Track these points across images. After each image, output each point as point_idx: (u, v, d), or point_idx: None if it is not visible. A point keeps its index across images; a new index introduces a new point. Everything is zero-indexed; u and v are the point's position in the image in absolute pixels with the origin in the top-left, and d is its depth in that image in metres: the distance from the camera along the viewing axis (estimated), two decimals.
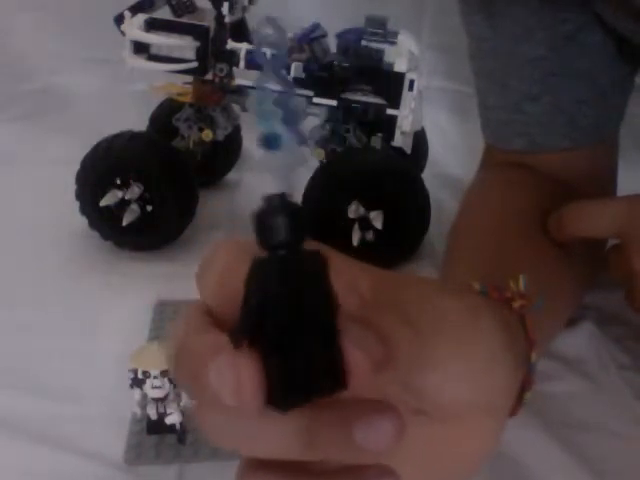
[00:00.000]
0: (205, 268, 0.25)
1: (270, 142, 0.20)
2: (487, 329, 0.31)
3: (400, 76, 0.61)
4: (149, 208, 0.63)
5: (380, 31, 0.63)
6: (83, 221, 0.64)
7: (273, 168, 0.20)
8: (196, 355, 0.23)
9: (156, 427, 0.43)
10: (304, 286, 0.21)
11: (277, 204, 0.20)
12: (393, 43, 0.62)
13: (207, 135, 0.69)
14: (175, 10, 0.64)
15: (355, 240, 0.61)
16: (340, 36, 0.64)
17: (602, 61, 0.54)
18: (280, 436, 0.23)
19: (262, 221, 0.20)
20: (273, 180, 0.20)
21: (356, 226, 0.62)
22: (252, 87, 0.65)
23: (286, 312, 0.20)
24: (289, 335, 0.21)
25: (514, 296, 0.35)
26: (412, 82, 0.61)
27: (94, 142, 0.64)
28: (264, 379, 0.21)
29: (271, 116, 0.21)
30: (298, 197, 0.68)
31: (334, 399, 0.22)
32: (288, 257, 0.20)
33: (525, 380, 0.34)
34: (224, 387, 0.21)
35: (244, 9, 0.66)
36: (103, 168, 0.63)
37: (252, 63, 0.63)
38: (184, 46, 0.62)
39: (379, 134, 0.66)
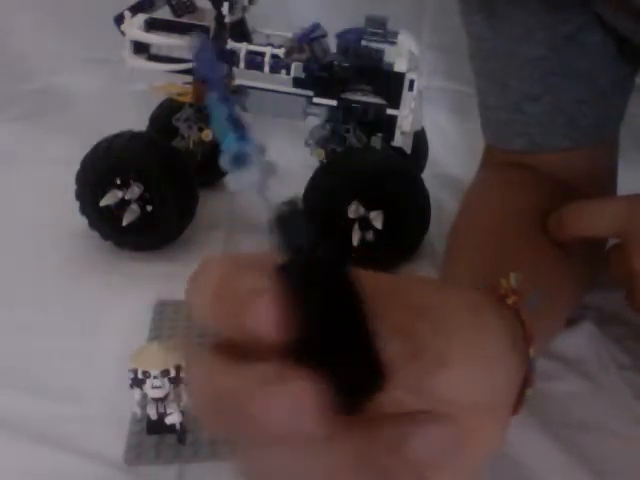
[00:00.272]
0: (197, 285, 0.24)
1: (239, 161, 0.20)
2: (491, 327, 0.31)
3: (400, 76, 0.61)
4: (149, 208, 0.63)
5: (380, 31, 0.63)
6: (83, 221, 0.64)
7: (248, 186, 0.21)
8: (237, 394, 0.21)
9: (156, 427, 0.43)
10: (339, 287, 0.21)
11: (293, 208, 0.20)
12: (393, 43, 0.62)
13: (207, 135, 0.69)
14: (175, 10, 0.64)
15: (355, 240, 0.61)
16: (340, 36, 0.64)
17: (602, 61, 0.54)
18: (334, 465, 0.23)
19: (282, 226, 0.20)
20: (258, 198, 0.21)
21: (356, 226, 0.62)
22: (252, 87, 0.65)
23: (333, 317, 0.21)
24: (340, 338, 0.21)
25: (507, 293, 0.35)
26: (412, 82, 0.61)
27: (94, 142, 0.64)
28: (323, 391, 0.21)
29: (230, 133, 0.21)
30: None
31: (382, 418, 0.22)
32: (319, 260, 0.21)
33: (526, 377, 0.34)
34: (283, 414, 0.20)
35: (244, 9, 0.66)
36: (103, 168, 0.63)
37: (252, 63, 0.63)
38: (184, 46, 0.62)
39: (379, 134, 0.66)
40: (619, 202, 0.46)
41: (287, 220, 0.20)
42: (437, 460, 0.22)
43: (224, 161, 0.21)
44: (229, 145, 0.21)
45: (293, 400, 0.20)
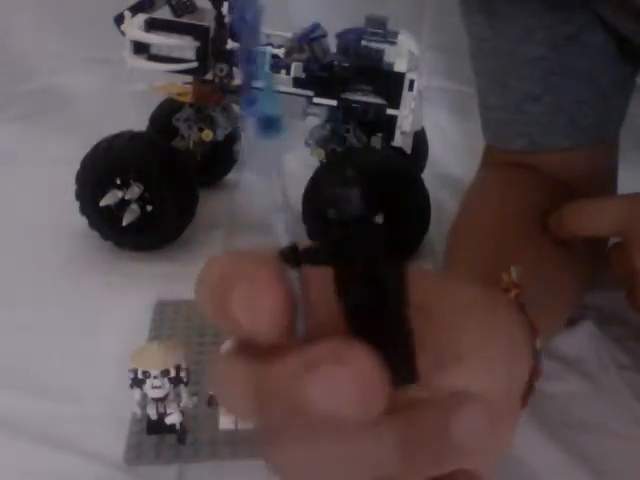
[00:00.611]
0: (200, 284, 0.23)
1: (271, 126, 0.18)
2: (505, 320, 0.31)
3: (400, 76, 0.61)
4: (149, 208, 0.63)
5: (380, 31, 0.62)
6: (83, 221, 0.64)
7: (273, 163, 0.19)
8: (288, 381, 0.20)
9: (156, 427, 0.43)
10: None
11: (352, 177, 0.20)
12: (393, 43, 0.62)
13: (207, 135, 0.69)
14: (175, 10, 0.64)
15: None
16: (340, 36, 0.64)
17: (603, 61, 0.54)
18: (376, 454, 0.22)
19: (341, 194, 0.20)
20: (260, 171, 0.19)
21: None
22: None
23: (396, 288, 0.20)
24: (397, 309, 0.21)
25: (508, 286, 0.35)
26: (412, 82, 0.61)
27: (94, 142, 0.64)
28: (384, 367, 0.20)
29: (271, 94, 0.18)
30: (298, 197, 0.67)
31: (418, 403, 0.22)
32: (375, 230, 0.20)
33: (534, 369, 0.34)
34: (342, 395, 0.19)
35: None
36: (103, 168, 0.63)
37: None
38: (184, 46, 0.62)
39: (379, 134, 0.66)
40: (620, 201, 0.47)
41: (346, 189, 0.20)
42: (476, 441, 0.22)
43: (252, 126, 0.18)
44: (266, 102, 0.18)
45: (359, 380, 0.19)
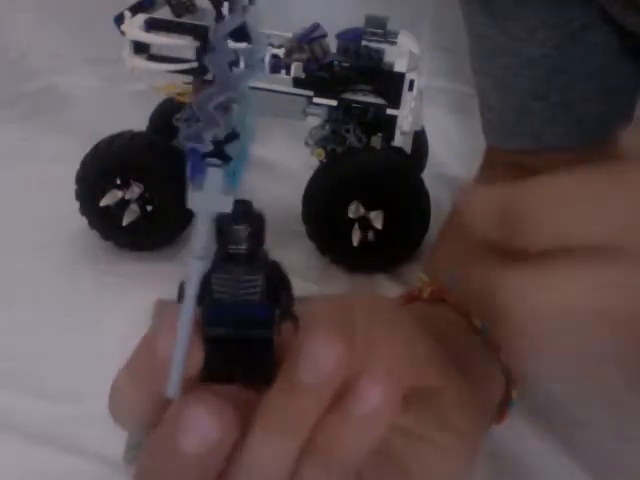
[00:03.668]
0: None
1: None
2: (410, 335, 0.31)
3: (400, 76, 0.61)
4: (149, 208, 0.63)
5: (380, 31, 0.63)
6: (83, 221, 0.64)
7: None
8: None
9: None
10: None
11: None
12: (393, 43, 0.62)
13: None
14: (175, 10, 0.64)
15: (355, 240, 0.61)
16: (340, 36, 0.64)
17: (608, 59, 0.54)
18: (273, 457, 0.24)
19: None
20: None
21: (356, 226, 0.62)
22: (252, 87, 0.65)
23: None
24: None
25: (423, 287, 0.37)
26: (412, 82, 0.61)
27: (94, 142, 0.63)
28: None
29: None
30: (298, 197, 0.66)
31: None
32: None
33: (508, 381, 0.34)
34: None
35: (244, 9, 0.66)
36: (103, 168, 0.63)
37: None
38: (184, 46, 0.62)
39: (379, 134, 0.66)
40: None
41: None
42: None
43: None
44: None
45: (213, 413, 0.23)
